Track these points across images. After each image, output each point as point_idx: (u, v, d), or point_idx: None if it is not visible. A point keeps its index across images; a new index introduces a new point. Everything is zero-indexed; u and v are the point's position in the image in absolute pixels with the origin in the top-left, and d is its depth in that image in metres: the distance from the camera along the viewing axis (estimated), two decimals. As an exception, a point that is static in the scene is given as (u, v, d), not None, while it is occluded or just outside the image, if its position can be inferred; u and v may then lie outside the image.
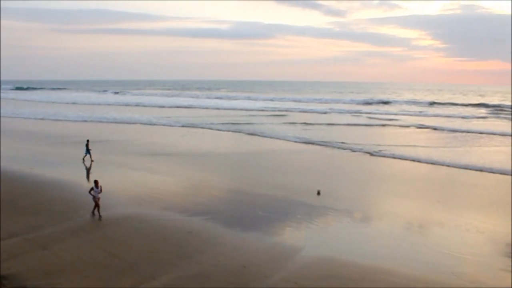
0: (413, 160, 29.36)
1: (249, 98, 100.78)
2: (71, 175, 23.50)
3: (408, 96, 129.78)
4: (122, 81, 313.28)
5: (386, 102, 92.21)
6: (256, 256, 13.30)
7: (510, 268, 13.07)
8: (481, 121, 59.14)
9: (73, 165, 26.26)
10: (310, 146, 35.23)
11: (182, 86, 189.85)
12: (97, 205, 16.35)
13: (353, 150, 32.86)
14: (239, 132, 42.80)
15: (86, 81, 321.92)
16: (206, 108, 72.77)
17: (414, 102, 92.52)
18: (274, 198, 19.77)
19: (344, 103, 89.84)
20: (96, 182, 16.65)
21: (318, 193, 20.22)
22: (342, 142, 35.80)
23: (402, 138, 40.66)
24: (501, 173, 25.98)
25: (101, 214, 16.29)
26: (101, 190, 16.48)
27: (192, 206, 18.16)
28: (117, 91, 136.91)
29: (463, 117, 62.45)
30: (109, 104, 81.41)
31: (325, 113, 66.35)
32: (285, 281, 11.65)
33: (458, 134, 44.12)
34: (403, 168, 27.69)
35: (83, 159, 26.97)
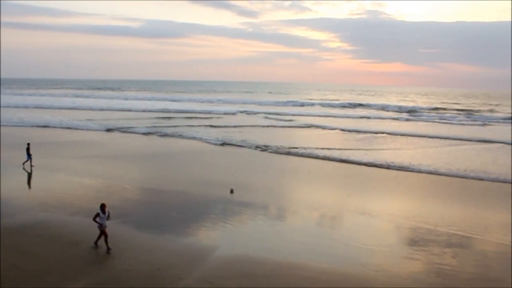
0: (324, 159, 30.67)
1: (164, 99, 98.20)
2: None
3: (318, 96, 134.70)
4: (20, 80, 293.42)
5: (297, 104, 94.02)
6: (170, 258, 13.15)
7: (411, 256, 14.12)
8: (387, 122, 62.59)
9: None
10: (223, 147, 35.47)
11: (89, 86, 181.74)
12: (103, 235, 13.65)
13: (264, 150, 33.62)
14: (154, 134, 41.92)
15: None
16: (121, 110, 67.91)
17: (325, 104, 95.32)
18: (189, 199, 19.66)
19: (257, 104, 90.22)
20: (103, 206, 13.86)
21: (232, 191, 20.43)
22: (255, 143, 36.47)
23: (314, 139, 42.17)
24: (403, 170, 27.94)
25: (109, 246, 13.53)
26: (108, 217, 13.89)
27: (103, 210, 17.54)
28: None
29: (368, 118, 65.67)
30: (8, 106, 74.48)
31: (234, 114, 66.22)
32: (200, 282, 11.65)
33: (366, 135, 46.47)
34: (315, 166, 28.75)
35: (23, 164, 25.32)
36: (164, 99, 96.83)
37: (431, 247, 14.91)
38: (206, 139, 38.38)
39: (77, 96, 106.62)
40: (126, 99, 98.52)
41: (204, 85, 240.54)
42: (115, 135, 41.15)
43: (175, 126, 47.09)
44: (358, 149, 35.01)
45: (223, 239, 14.99)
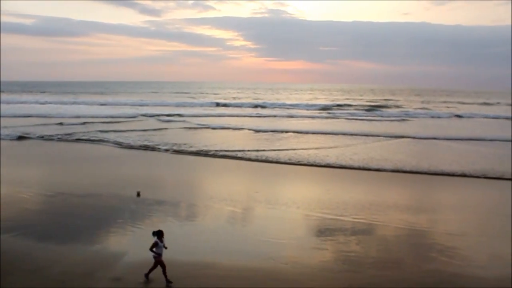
0: (233, 158, 31.06)
1: (64, 103, 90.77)
2: None
3: (225, 95, 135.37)
4: None
5: (205, 104, 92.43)
6: (75, 268, 12.48)
7: (319, 246, 14.66)
8: (296, 120, 64.02)
9: None
10: (129, 150, 34.28)
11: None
12: (161, 266, 11.76)
13: (171, 151, 33.24)
14: (54, 139, 39.43)
15: None
16: (22, 116, 59.84)
17: (233, 104, 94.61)
18: (95, 205, 18.82)
19: (162, 105, 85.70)
20: (161, 233, 11.95)
21: (138, 194, 19.89)
22: (162, 145, 35.97)
23: (222, 139, 42.33)
24: (310, 165, 28.98)
25: (169, 278, 11.71)
26: (165, 245, 12.03)
27: (-3, 224, 16.21)
28: None
29: (274, 116, 66.35)
30: None
31: (135, 117, 61.90)
32: (108, 290, 11.21)
33: (274, 133, 47.24)
34: (224, 166, 28.93)
35: None
36: (65, 103, 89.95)
37: (337, 236, 15.58)
38: (112, 143, 36.95)
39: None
40: (20, 102, 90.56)
41: (107, 86, 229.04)
42: (24, 143, 37.94)
43: (80, 132, 44.35)
44: (267, 148, 35.67)
45: (132, 244, 14.53)
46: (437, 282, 12.24)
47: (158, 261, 11.79)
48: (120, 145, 35.96)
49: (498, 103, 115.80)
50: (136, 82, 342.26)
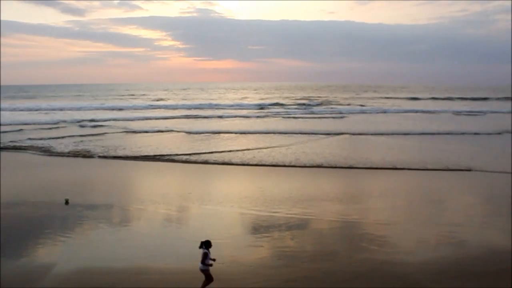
0: (167, 161, 30.69)
1: None
2: None
3: (154, 96, 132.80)
4: None
5: (137, 107, 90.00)
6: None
7: (254, 243, 14.80)
8: (231, 120, 64.13)
9: None
10: (55, 157, 32.54)
11: None
12: (207, 278, 11.29)
13: (92, 156, 32.20)
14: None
15: None
16: None
17: (163, 106, 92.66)
18: (20, 216, 17.80)
19: (89, 109, 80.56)
20: (209, 244, 11.39)
21: (67, 202, 19.09)
22: (93, 151, 34.78)
23: (156, 142, 41.59)
24: (244, 164, 29.13)
25: None
26: (212, 258, 11.39)
27: None
28: None
29: (208, 117, 65.04)
30: None
31: (57, 122, 57.22)
32: (37, 304, 10.66)
33: (209, 135, 46.85)
34: (157, 168, 28.44)
35: None
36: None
37: (272, 233, 15.77)
38: (37, 151, 34.92)
39: None
40: None
41: (27, 90, 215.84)
42: None
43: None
44: (202, 151, 35.51)
45: (61, 254, 13.91)
46: (368, 270, 12.70)
47: (208, 274, 11.28)
48: (45, 152, 34.17)
49: (422, 98, 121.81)
50: (60, 85, 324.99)
